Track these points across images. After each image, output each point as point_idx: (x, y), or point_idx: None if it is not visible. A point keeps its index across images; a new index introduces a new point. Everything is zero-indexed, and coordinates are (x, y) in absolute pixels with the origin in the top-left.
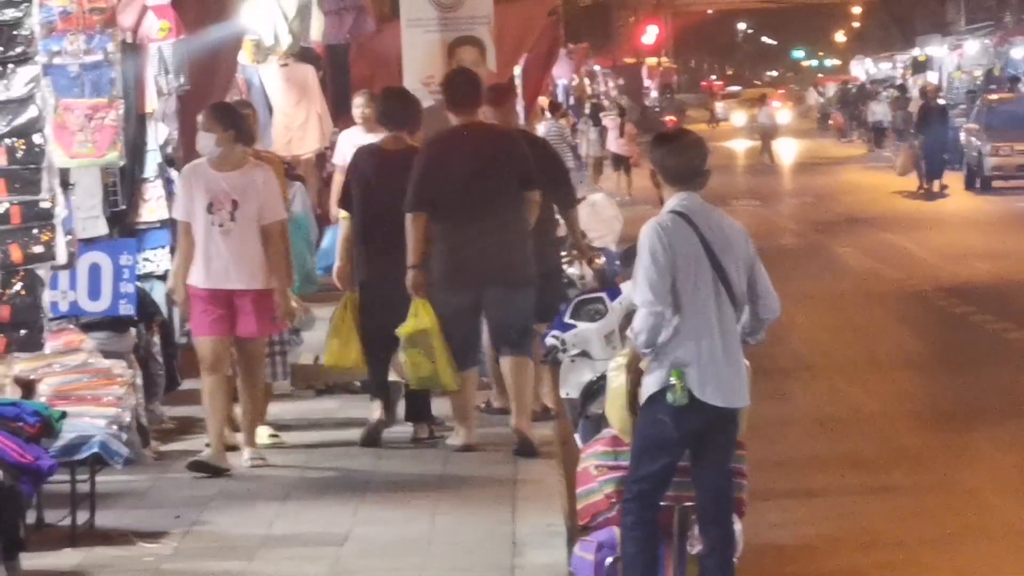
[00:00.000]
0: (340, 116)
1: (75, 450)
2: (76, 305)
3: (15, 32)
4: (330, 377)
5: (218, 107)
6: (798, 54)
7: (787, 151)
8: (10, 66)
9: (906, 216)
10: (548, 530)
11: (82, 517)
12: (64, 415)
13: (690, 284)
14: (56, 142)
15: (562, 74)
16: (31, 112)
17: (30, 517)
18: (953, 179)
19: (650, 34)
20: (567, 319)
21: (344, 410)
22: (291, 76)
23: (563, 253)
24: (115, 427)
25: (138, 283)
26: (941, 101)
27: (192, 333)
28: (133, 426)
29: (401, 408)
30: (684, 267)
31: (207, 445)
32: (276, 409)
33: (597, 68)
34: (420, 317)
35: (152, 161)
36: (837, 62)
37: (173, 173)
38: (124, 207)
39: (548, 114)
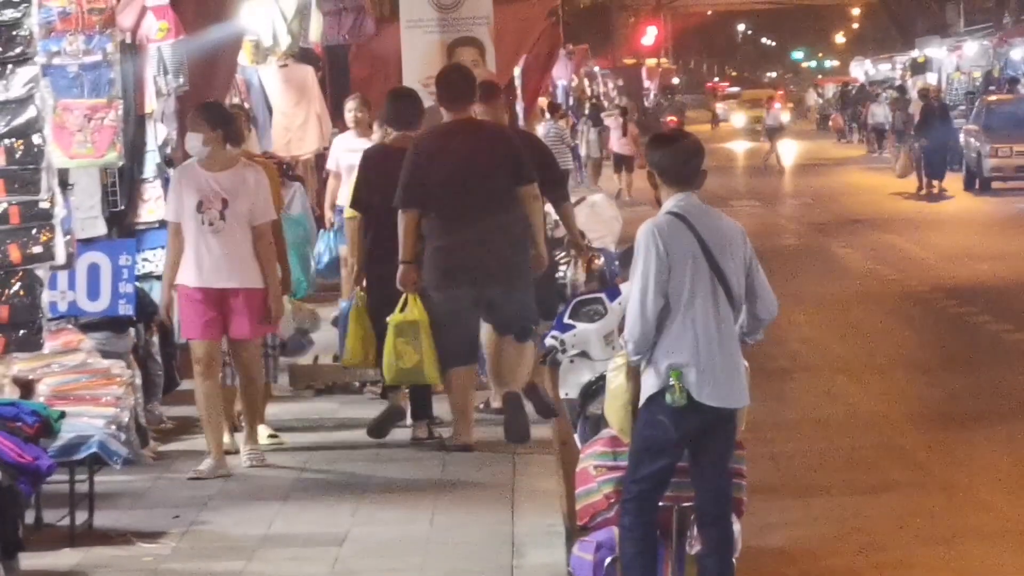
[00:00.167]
0: (339, 117)
1: (74, 450)
2: (75, 305)
3: (14, 32)
4: (329, 377)
5: (206, 107)
6: (797, 55)
7: (787, 152)
8: (9, 66)
9: (905, 217)
10: (547, 530)
11: (81, 517)
12: (63, 415)
13: (687, 285)
14: (55, 142)
15: (562, 75)
16: (30, 112)
17: (29, 517)
18: (952, 180)
19: (649, 35)
20: (566, 320)
21: (343, 410)
22: (290, 77)
23: (561, 253)
24: (114, 427)
25: (137, 283)
26: (945, 101)
27: (182, 334)
28: (132, 426)
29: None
30: (680, 268)
31: (207, 453)
32: (275, 409)
33: (597, 69)
34: (411, 309)
35: (151, 161)
36: (836, 63)
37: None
38: (123, 207)
39: (547, 115)
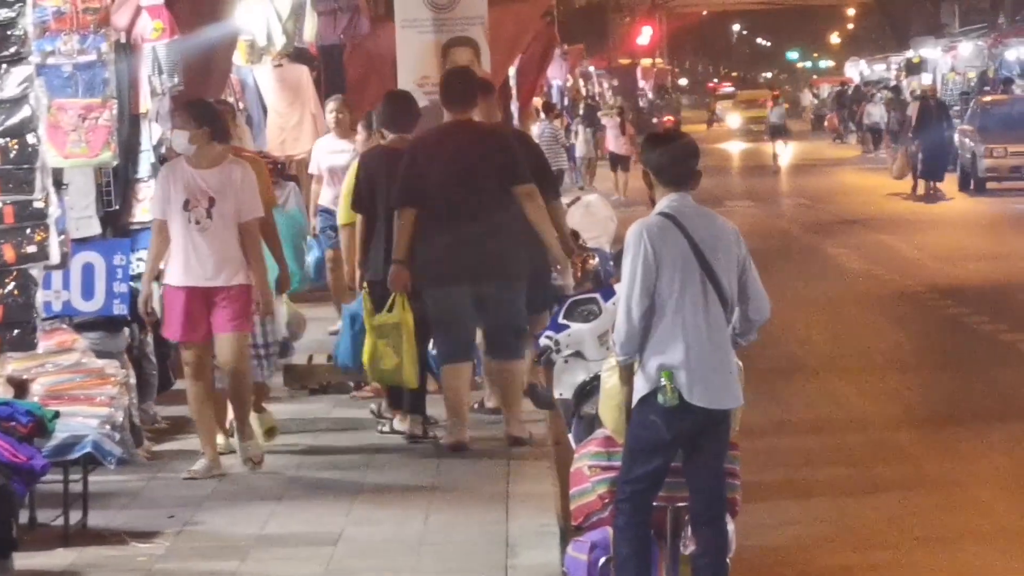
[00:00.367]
0: None
1: (68, 450)
2: (69, 305)
3: (9, 32)
4: (323, 377)
5: (192, 105)
6: (792, 55)
7: (782, 152)
8: (3, 66)
9: (900, 217)
10: (541, 530)
11: (75, 517)
12: (57, 415)
13: (677, 286)
14: (49, 142)
15: (557, 75)
16: (24, 112)
17: (23, 517)
18: (947, 181)
19: (645, 35)
20: (561, 320)
21: (337, 411)
22: (285, 77)
23: None
24: (108, 427)
25: (131, 283)
26: (943, 101)
27: (164, 333)
28: (126, 426)
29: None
30: (670, 269)
31: (202, 453)
32: (269, 409)
33: (592, 69)
34: (395, 310)
35: (146, 161)
36: (831, 64)
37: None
38: (117, 207)
39: (542, 115)
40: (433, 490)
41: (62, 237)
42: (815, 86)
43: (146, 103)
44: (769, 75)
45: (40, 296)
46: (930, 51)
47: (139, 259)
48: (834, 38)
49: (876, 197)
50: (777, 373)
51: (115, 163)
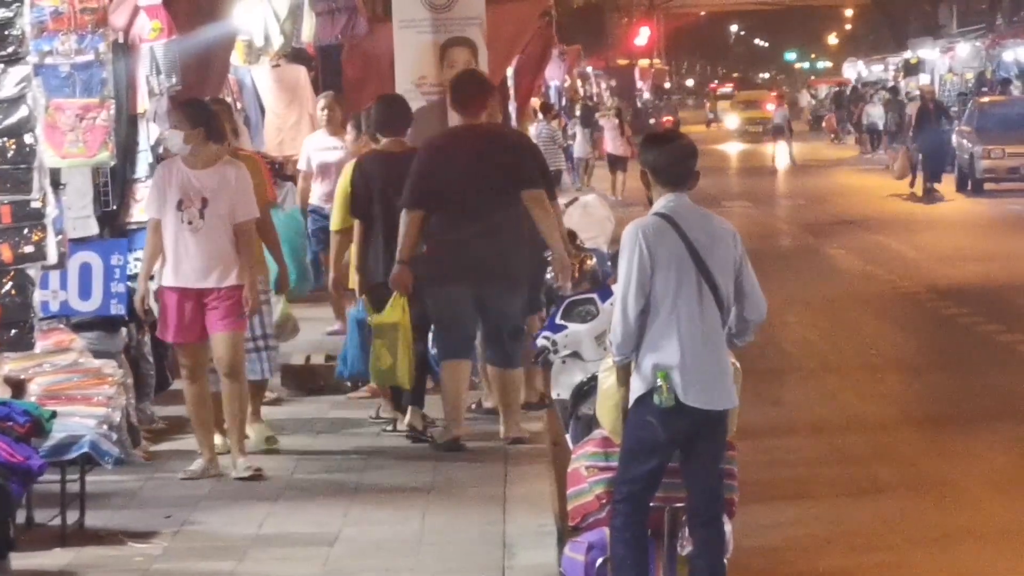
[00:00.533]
0: None
1: (65, 450)
2: (67, 305)
3: (6, 32)
4: (321, 378)
5: (187, 104)
6: (790, 56)
7: (780, 153)
8: (1, 66)
9: (898, 218)
10: (539, 531)
11: (72, 517)
12: (54, 415)
13: (672, 286)
14: (47, 142)
15: (554, 76)
16: (22, 112)
17: (20, 517)
18: (945, 181)
19: (642, 36)
20: (558, 320)
21: (335, 411)
22: (283, 77)
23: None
24: (105, 427)
25: (129, 283)
26: (942, 102)
27: (161, 335)
28: (123, 426)
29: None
30: (666, 270)
31: (199, 453)
32: (266, 410)
33: (590, 70)
34: (394, 310)
35: (143, 161)
36: (829, 64)
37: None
38: (115, 207)
39: (540, 116)
40: (430, 491)
41: (59, 237)
42: (813, 87)
43: (144, 103)
44: (767, 76)
45: (37, 296)
46: (928, 52)
47: (136, 259)
48: (832, 39)
49: (874, 198)
50: (774, 374)
51: (113, 163)
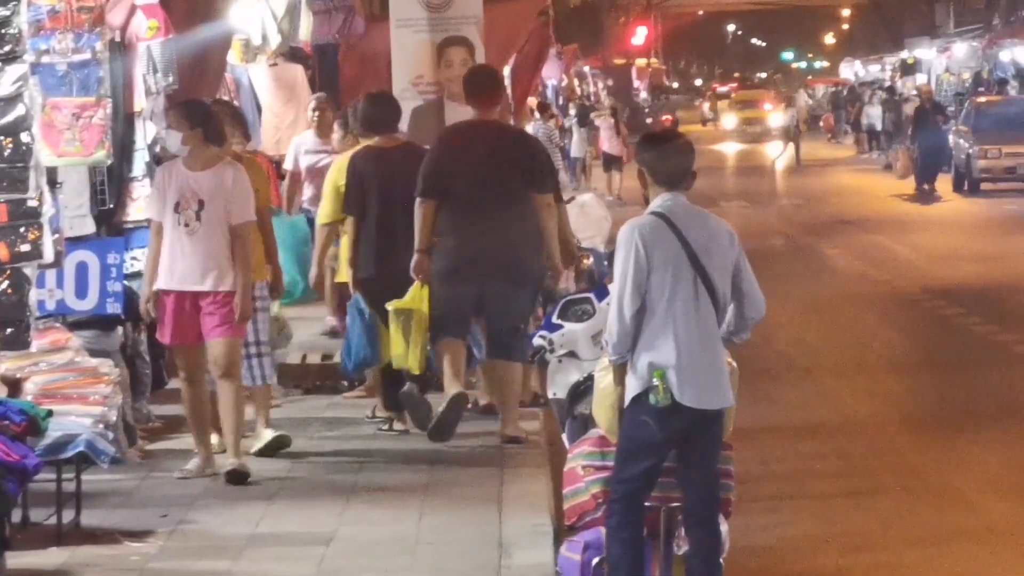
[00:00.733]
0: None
1: (61, 449)
2: (63, 303)
3: (3, 30)
4: (317, 377)
5: (185, 105)
6: (787, 56)
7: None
8: None
9: (895, 218)
10: (535, 530)
11: (68, 516)
12: (50, 414)
13: (668, 286)
14: (44, 141)
15: (552, 75)
16: (19, 110)
17: (15, 516)
18: (942, 181)
19: (640, 35)
20: (555, 319)
21: (331, 410)
22: (280, 76)
23: None
24: (101, 426)
25: (125, 282)
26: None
27: (158, 337)
28: (119, 425)
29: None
30: (662, 269)
31: (195, 452)
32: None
33: (587, 69)
34: (414, 298)
35: (140, 160)
36: (826, 64)
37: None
38: (112, 206)
39: (536, 115)
40: (426, 490)
41: (56, 236)
42: (810, 86)
43: (140, 102)
44: (764, 75)
45: (34, 295)
46: (925, 52)
47: (133, 258)
48: (829, 38)
49: (870, 198)
50: (770, 373)
51: (109, 162)
